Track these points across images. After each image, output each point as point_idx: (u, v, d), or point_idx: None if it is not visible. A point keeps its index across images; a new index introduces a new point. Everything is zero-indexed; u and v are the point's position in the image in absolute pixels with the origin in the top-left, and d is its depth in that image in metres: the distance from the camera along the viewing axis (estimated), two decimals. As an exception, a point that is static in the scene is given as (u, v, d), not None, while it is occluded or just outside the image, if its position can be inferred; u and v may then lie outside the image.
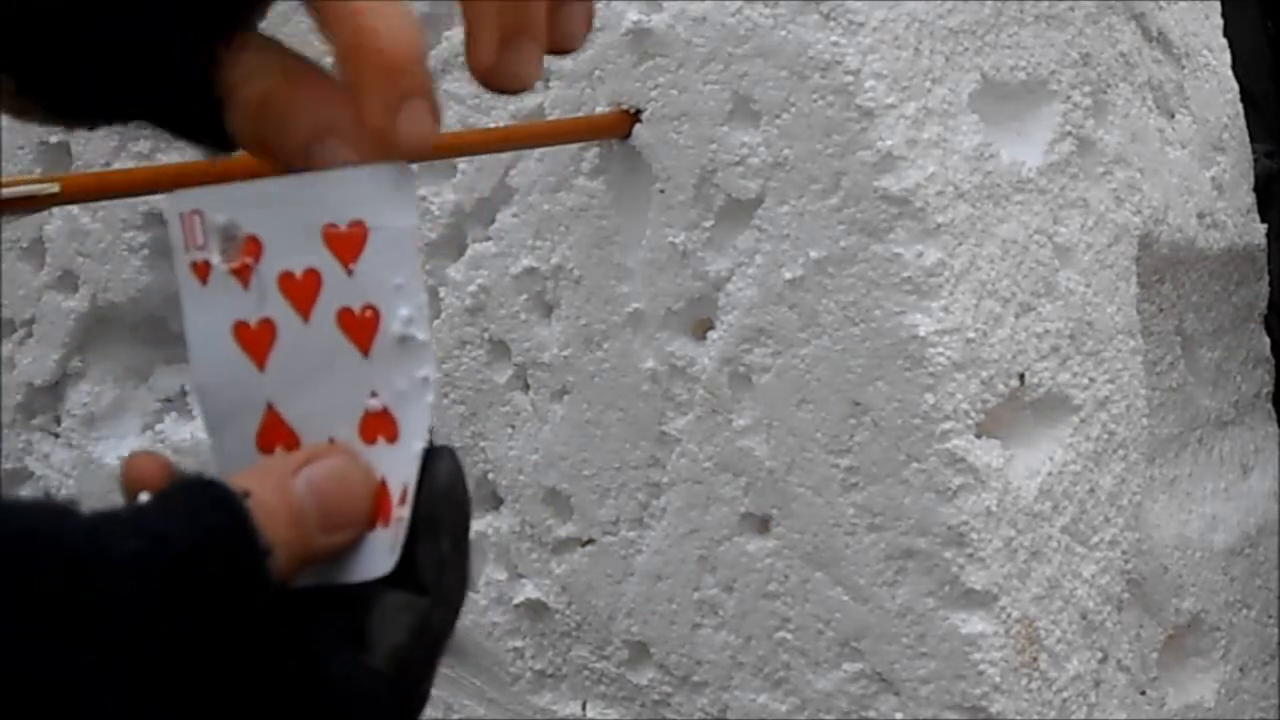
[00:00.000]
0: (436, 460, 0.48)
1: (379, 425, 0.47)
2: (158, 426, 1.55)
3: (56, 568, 0.39)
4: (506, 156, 1.31)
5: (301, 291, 0.47)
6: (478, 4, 0.47)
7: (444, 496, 0.48)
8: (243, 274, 0.47)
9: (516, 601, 1.37)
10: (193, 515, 0.42)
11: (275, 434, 0.48)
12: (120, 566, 0.40)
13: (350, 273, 0.47)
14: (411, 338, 0.47)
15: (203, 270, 0.48)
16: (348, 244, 0.47)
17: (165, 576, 0.40)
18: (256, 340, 0.47)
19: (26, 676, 0.38)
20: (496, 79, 0.48)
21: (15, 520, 0.40)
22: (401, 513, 0.47)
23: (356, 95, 0.46)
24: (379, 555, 0.47)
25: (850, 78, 1.13)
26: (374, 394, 0.47)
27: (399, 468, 0.47)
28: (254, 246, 0.47)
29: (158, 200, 1.48)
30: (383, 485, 0.47)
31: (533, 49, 0.48)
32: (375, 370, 0.47)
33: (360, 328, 0.47)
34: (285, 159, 0.47)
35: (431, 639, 0.47)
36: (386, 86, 0.46)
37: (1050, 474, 1.20)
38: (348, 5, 0.46)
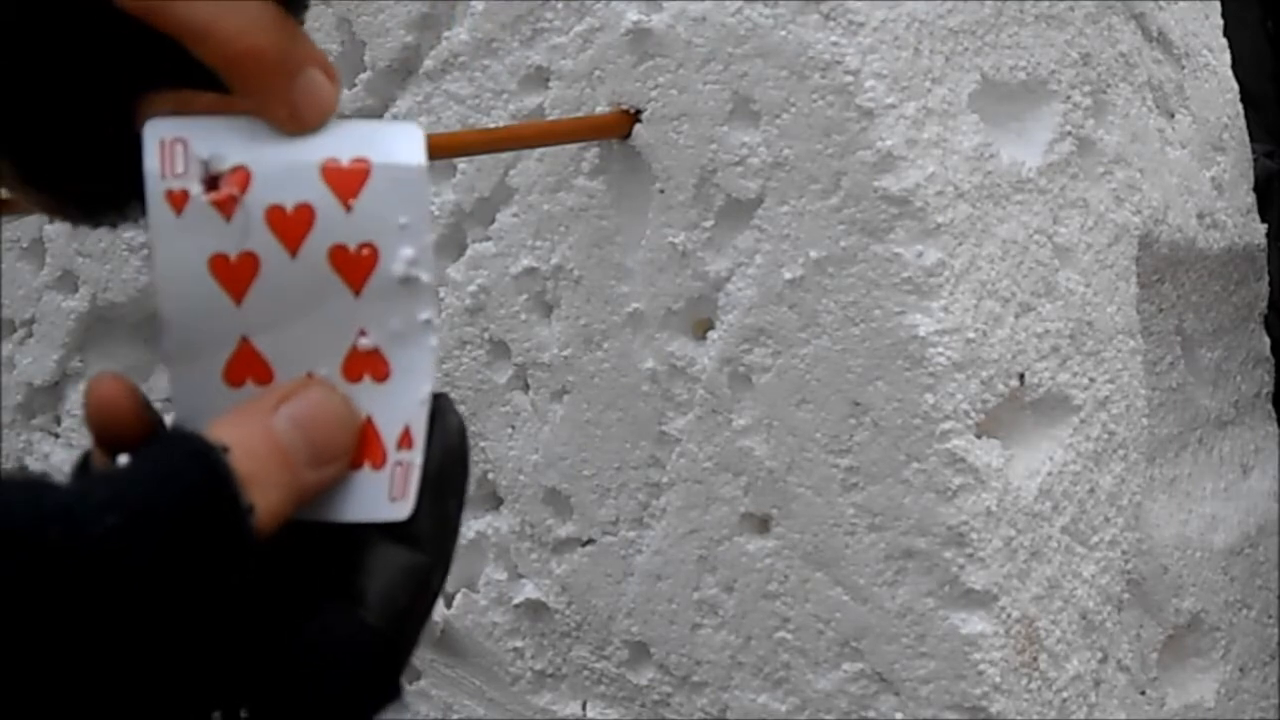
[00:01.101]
0: (443, 415, 0.47)
1: (367, 363, 0.46)
2: (158, 426, 1.55)
3: (32, 564, 0.39)
4: (506, 156, 1.31)
5: (291, 226, 0.46)
6: (240, 86, 0.46)
7: (454, 455, 0.47)
8: (226, 205, 0.46)
9: (516, 601, 1.37)
10: (171, 478, 0.41)
11: (247, 367, 0.47)
12: (100, 547, 0.39)
13: (349, 209, 0.46)
14: (415, 279, 0.46)
15: (179, 199, 0.46)
16: (348, 180, 0.46)
17: (147, 553, 0.40)
18: (235, 274, 0.46)
19: (14, 674, 0.38)
20: (298, 124, 0.47)
21: None
22: (403, 456, 0.46)
23: (250, 104, 0.46)
24: (377, 498, 0.46)
25: (850, 78, 1.13)
26: (363, 333, 0.46)
27: (393, 408, 0.46)
28: (242, 178, 0.46)
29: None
30: (369, 424, 0.46)
31: (312, 81, 0.47)
32: (367, 309, 0.46)
33: (354, 266, 0.46)
34: (273, 68, 0.46)
35: (429, 599, 0.46)
36: (263, 86, 0.46)
37: (1050, 474, 1.20)
38: (192, 22, 0.45)
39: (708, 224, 1.21)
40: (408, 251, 0.46)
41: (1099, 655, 1.24)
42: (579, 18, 1.25)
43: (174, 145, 0.46)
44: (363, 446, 0.46)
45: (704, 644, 1.27)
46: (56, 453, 1.59)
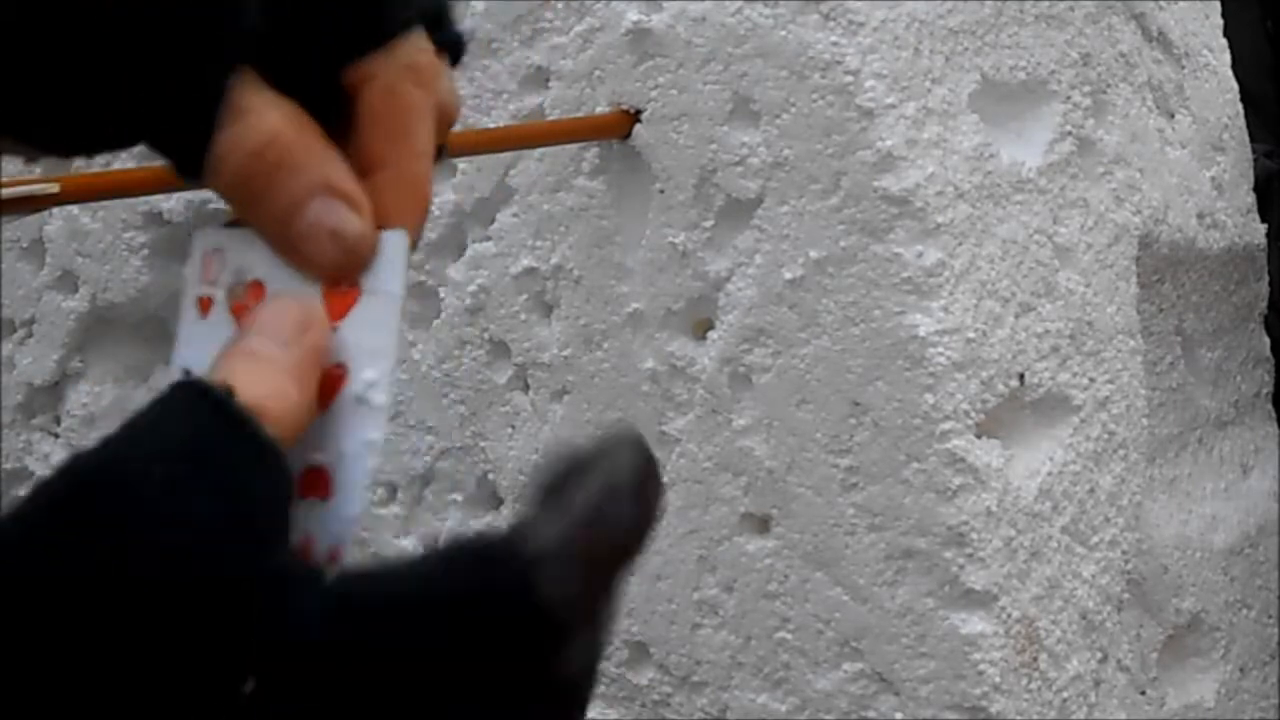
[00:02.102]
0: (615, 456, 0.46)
1: (312, 484, 0.47)
2: (158, 426, 1.55)
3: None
4: (506, 156, 1.31)
5: None
6: (401, 205, 0.48)
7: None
8: (239, 313, 0.48)
9: (516, 601, 1.37)
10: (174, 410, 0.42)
11: None
12: (141, 491, 0.40)
13: (335, 329, 0.47)
14: (367, 401, 0.47)
15: (206, 304, 0.49)
16: (340, 304, 0.47)
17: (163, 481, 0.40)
18: None
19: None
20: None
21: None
22: (332, 570, 0.47)
23: (391, 217, 0.47)
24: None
25: (850, 78, 1.13)
26: (319, 450, 0.47)
27: (327, 528, 0.47)
28: (258, 292, 0.48)
29: (158, 200, 1.48)
30: (305, 540, 0.47)
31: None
32: (326, 428, 0.47)
33: (326, 384, 0.47)
34: (273, 206, 0.47)
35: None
36: (417, 220, 0.48)
37: (1050, 474, 1.20)
38: (405, 128, 0.47)
39: (708, 224, 1.21)
40: (369, 374, 0.47)
41: (1099, 655, 1.24)
42: (579, 18, 1.25)
43: (214, 255, 0.49)
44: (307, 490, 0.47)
45: (704, 644, 1.27)
46: (56, 453, 1.59)
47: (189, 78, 0.45)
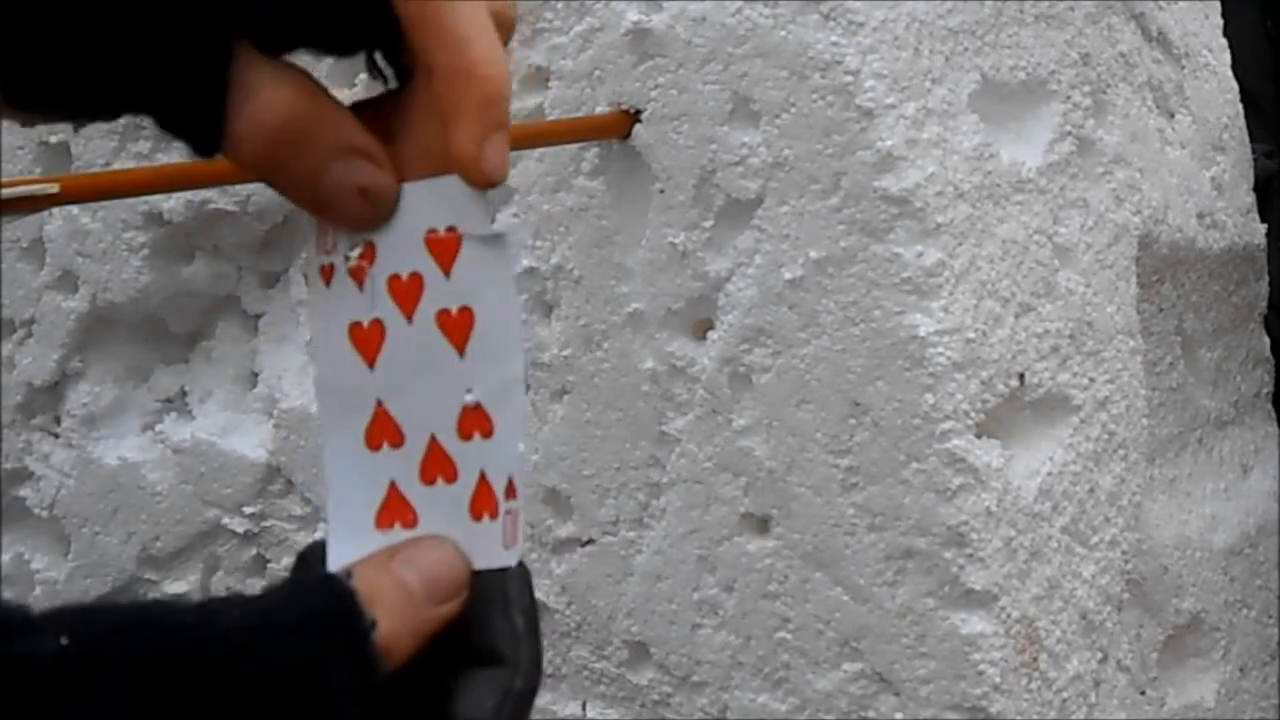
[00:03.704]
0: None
1: (475, 421, 0.50)
2: (158, 427, 1.55)
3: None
4: (506, 156, 1.31)
5: (406, 293, 0.50)
6: (460, 102, 0.48)
7: (512, 575, 0.50)
8: (358, 276, 0.50)
9: (516, 601, 1.37)
10: (302, 594, 0.45)
11: (382, 431, 0.51)
12: (230, 644, 0.42)
13: (448, 276, 0.50)
14: (503, 338, 0.50)
15: (328, 273, 0.51)
16: (445, 249, 0.49)
17: (275, 657, 0.42)
18: (368, 340, 0.51)
19: None
20: (474, 172, 0.49)
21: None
22: (510, 505, 0.50)
23: (451, 117, 0.48)
24: (495, 548, 0.49)
25: (850, 78, 1.13)
26: (469, 391, 0.50)
27: (499, 461, 0.50)
28: (370, 251, 0.50)
29: (158, 200, 1.48)
30: (483, 478, 0.50)
31: (505, 144, 0.49)
32: (470, 368, 0.50)
33: (456, 328, 0.50)
34: (298, 174, 0.48)
35: (513, 706, 0.48)
36: (483, 115, 0.48)
37: (1050, 474, 1.20)
38: (455, 28, 0.47)
39: (708, 224, 1.21)
40: (496, 312, 0.50)
41: (1099, 655, 1.24)
42: (579, 18, 1.25)
43: (327, 226, 0.51)
44: (479, 501, 0.50)
45: (704, 644, 1.27)
46: (56, 453, 1.59)
47: (190, 61, 0.46)
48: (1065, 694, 1.20)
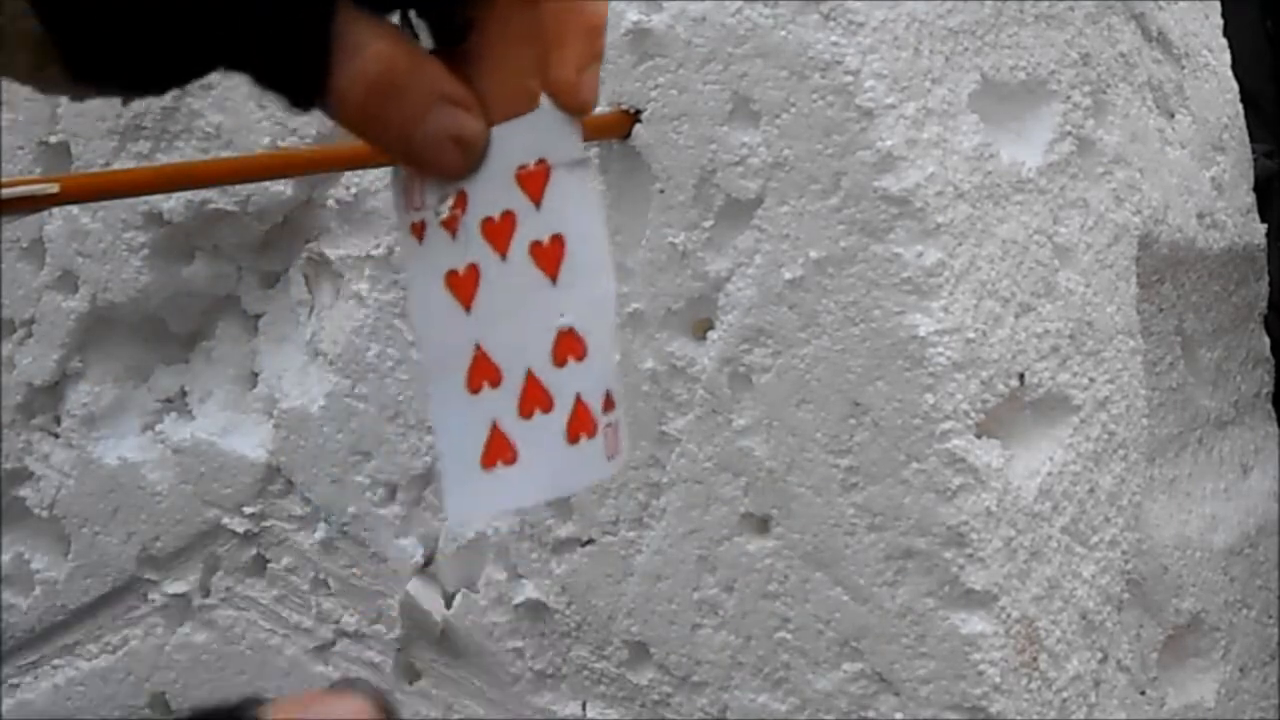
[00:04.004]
0: None
1: (569, 346, 0.53)
2: (158, 427, 1.55)
3: None
4: (506, 156, 1.31)
5: (499, 233, 0.52)
6: (567, 29, 0.51)
7: None
8: (452, 226, 0.52)
9: (516, 601, 1.37)
10: None
11: (483, 372, 0.53)
12: None
13: (539, 207, 0.52)
14: (595, 256, 0.53)
15: (419, 229, 0.53)
16: (535, 181, 0.52)
17: None
18: (464, 285, 0.53)
19: None
20: (573, 97, 0.52)
21: None
22: (610, 418, 0.53)
23: (555, 44, 0.51)
24: (597, 461, 0.52)
25: (850, 78, 1.13)
26: (561, 316, 0.52)
27: (594, 380, 0.53)
28: (461, 200, 0.52)
29: (158, 200, 1.48)
30: (579, 400, 0.52)
31: (598, 74, 0.52)
32: (563, 294, 0.52)
33: (548, 257, 0.52)
34: (395, 125, 0.50)
35: None
36: (585, 45, 0.51)
37: (1050, 474, 1.20)
38: None
39: (708, 224, 1.21)
40: (586, 233, 0.53)
41: (1099, 655, 1.24)
42: (579, 18, 1.25)
43: (412, 184, 0.53)
44: (576, 422, 0.52)
45: (704, 644, 1.27)
46: (56, 453, 1.59)
47: (296, 18, 0.47)
48: (1065, 694, 1.20)
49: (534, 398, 0.52)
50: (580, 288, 0.52)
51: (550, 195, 0.52)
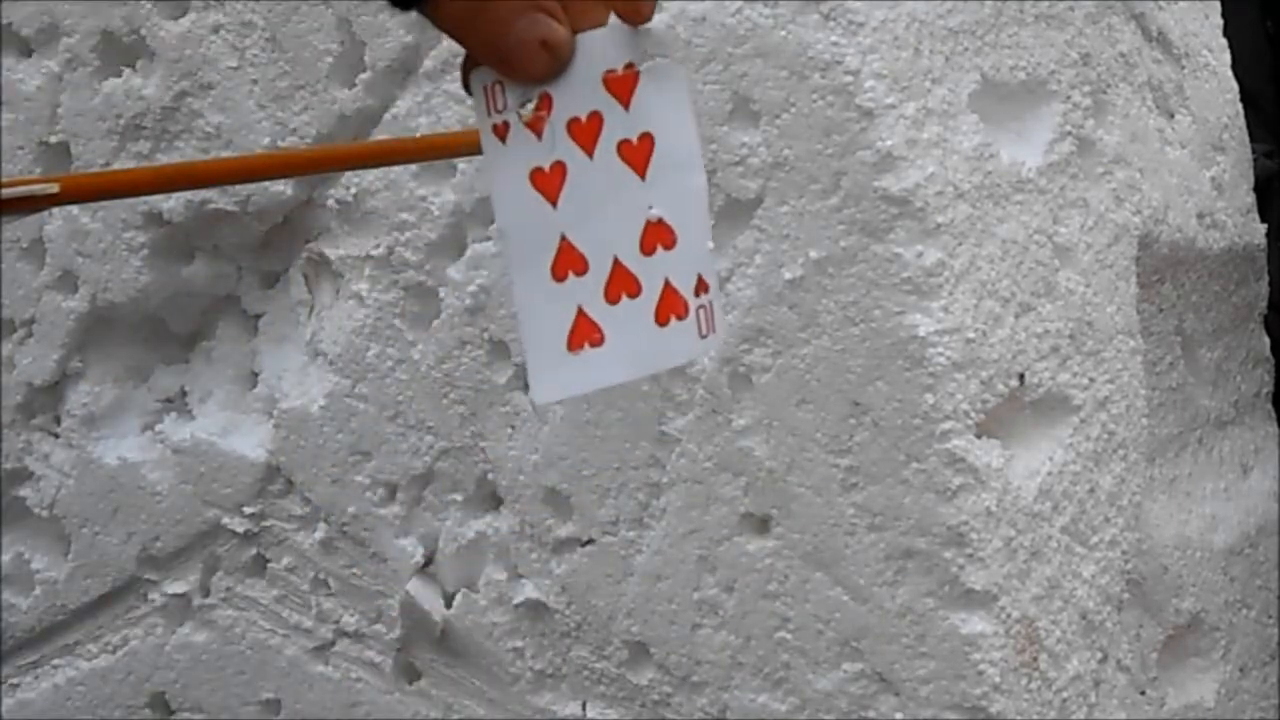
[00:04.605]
0: None
1: (658, 235, 0.56)
2: (157, 427, 1.55)
3: None
4: (506, 156, 1.31)
5: (586, 132, 0.56)
6: None
7: None
8: (537, 126, 0.56)
9: (516, 601, 1.37)
10: None
11: (568, 261, 0.56)
12: None
13: (627, 108, 0.56)
14: (685, 152, 0.56)
15: (502, 130, 0.57)
16: (624, 85, 0.56)
17: None
18: (550, 181, 0.56)
19: None
20: (636, 9, 0.56)
21: None
22: (702, 300, 0.56)
23: None
24: (690, 340, 0.56)
25: (850, 78, 1.13)
26: (650, 208, 0.56)
27: (684, 266, 0.56)
28: (547, 101, 0.56)
29: (158, 200, 1.48)
30: (668, 285, 0.56)
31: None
32: (652, 188, 0.56)
33: (637, 154, 0.56)
34: (486, 28, 0.53)
35: None
36: None
37: (1050, 474, 1.20)
38: None
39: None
40: (676, 130, 0.56)
41: (1099, 655, 1.24)
42: (579, 18, 1.25)
43: (494, 88, 0.56)
44: (665, 305, 0.56)
45: (704, 644, 1.27)
46: (56, 453, 1.59)
47: None
48: (1065, 694, 1.20)
49: (621, 283, 0.56)
50: (670, 182, 0.56)
51: (639, 97, 0.56)
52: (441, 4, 0.53)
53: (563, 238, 0.56)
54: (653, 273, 0.56)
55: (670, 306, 0.56)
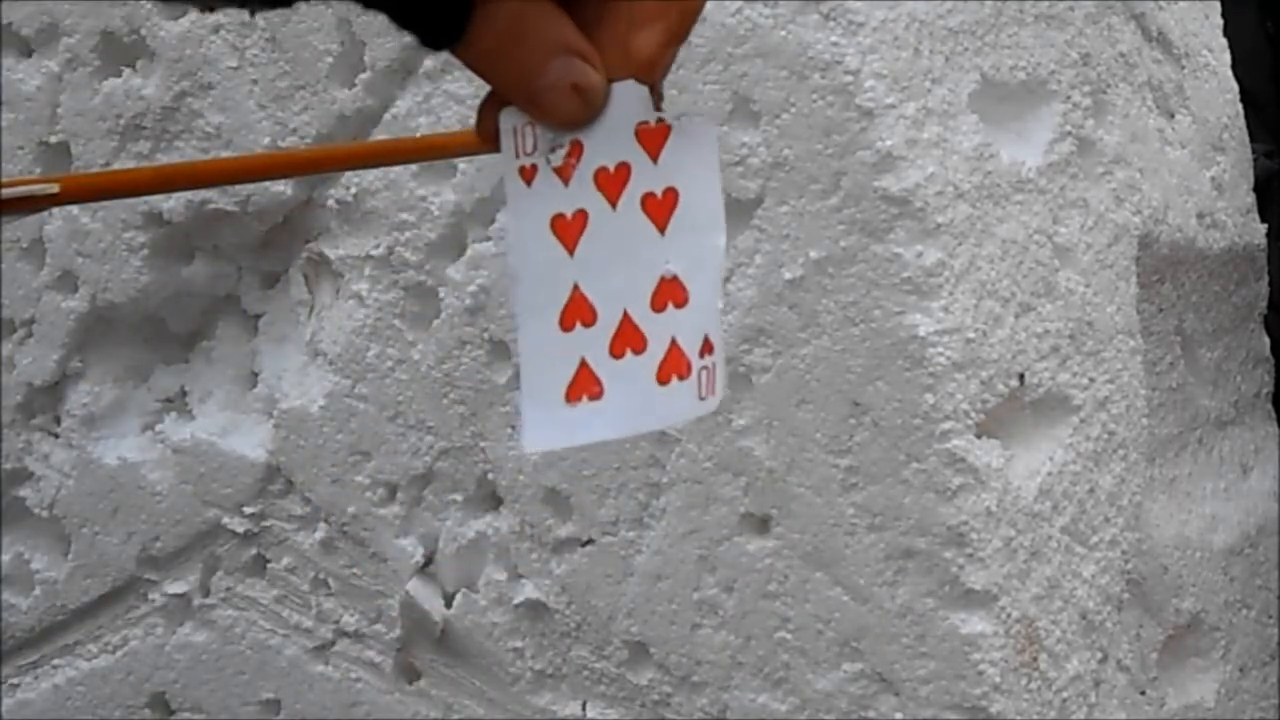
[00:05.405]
0: None
1: (670, 292, 0.55)
2: (157, 427, 1.55)
3: None
4: (506, 156, 1.31)
5: (613, 183, 0.56)
6: (663, 9, 0.54)
7: None
8: (565, 173, 0.55)
9: (516, 601, 1.37)
10: None
11: (577, 311, 0.56)
12: None
13: (656, 161, 0.56)
14: (707, 210, 0.55)
15: (529, 173, 0.56)
16: (655, 137, 0.56)
17: None
18: (570, 229, 0.56)
19: None
20: (650, 70, 0.55)
21: None
22: (706, 361, 0.55)
23: (645, 20, 0.54)
24: (689, 400, 0.55)
25: (850, 78, 1.13)
26: (667, 263, 0.55)
27: (692, 325, 0.55)
28: (577, 149, 0.55)
29: (158, 200, 1.48)
30: (674, 344, 0.55)
31: (673, 54, 0.56)
32: (670, 244, 0.55)
33: (660, 209, 0.56)
34: (518, 70, 0.53)
35: None
36: (676, 26, 0.55)
37: (1050, 474, 1.20)
38: None
39: (708, 224, 1.21)
40: (701, 187, 0.56)
41: (1099, 655, 1.24)
42: (579, 18, 1.25)
43: (524, 130, 0.55)
44: (669, 364, 0.55)
45: (704, 644, 1.27)
46: (56, 453, 1.59)
47: None
48: (1065, 694, 1.20)
49: (627, 338, 0.55)
50: (688, 239, 0.55)
51: (669, 151, 0.55)
52: (473, 44, 0.53)
53: (575, 287, 0.56)
54: (660, 330, 0.55)
55: (674, 366, 0.55)
